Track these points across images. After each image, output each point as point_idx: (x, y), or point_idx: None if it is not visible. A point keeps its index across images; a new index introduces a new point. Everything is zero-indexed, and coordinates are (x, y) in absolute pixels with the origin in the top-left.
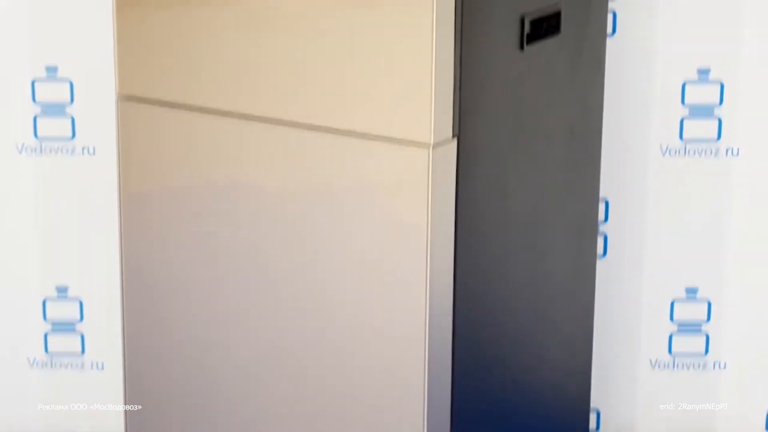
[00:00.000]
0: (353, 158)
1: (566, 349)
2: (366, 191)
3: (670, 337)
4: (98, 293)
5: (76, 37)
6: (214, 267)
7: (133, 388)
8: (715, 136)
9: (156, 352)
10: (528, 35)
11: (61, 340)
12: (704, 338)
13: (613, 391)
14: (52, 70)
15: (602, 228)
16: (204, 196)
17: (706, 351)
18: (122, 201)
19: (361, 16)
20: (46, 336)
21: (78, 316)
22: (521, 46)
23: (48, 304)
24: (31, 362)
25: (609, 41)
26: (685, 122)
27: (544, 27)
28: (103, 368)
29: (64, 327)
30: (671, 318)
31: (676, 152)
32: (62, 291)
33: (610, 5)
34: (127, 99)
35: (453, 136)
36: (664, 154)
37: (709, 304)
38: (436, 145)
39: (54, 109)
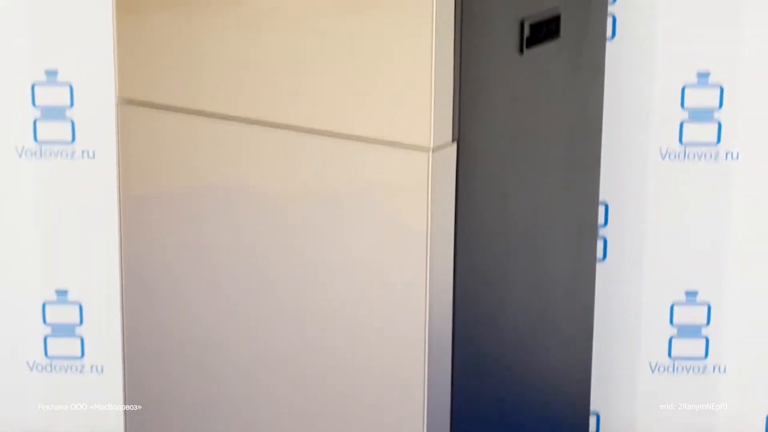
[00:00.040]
0: (353, 162)
1: (566, 353)
2: (366, 195)
3: (670, 341)
4: (98, 297)
5: (76, 41)
6: (213, 270)
7: (132, 390)
8: (715, 139)
9: (156, 354)
10: (528, 39)
11: (61, 343)
12: (704, 342)
13: (612, 395)
14: (51, 74)
15: (602, 231)
16: (204, 200)
17: (706, 354)
18: (122, 204)
19: (361, 19)
20: (45, 339)
21: (78, 320)
22: (521, 50)
23: (48, 308)
24: (31, 366)
25: (609, 45)
26: (684, 126)
27: (544, 31)
28: (102, 371)
29: (63, 330)
30: (671, 321)
31: (675, 156)
32: (62, 294)
33: (610, 9)
34: (127, 102)
35: (453, 139)
36: (663, 158)
37: (709, 308)
38: (435, 149)
39: (54, 113)
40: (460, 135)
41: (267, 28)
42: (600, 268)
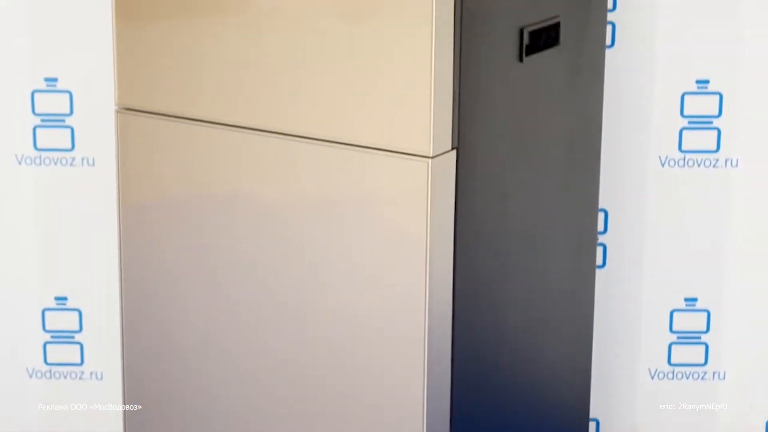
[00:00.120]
0: (353, 170)
1: (566, 359)
2: (365, 202)
3: (670, 347)
4: (97, 303)
5: (75, 49)
6: (212, 277)
7: (131, 392)
8: (714, 147)
9: (155, 360)
10: (527, 47)
11: (61, 350)
12: (704, 348)
13: (612, 401)
14: (51, 82)
15: (602, 238)
16: (203, 207)
17: (706, 361)
18: (121, 212)
19: (360, 27)
20: (45, 346)
21: (77, 326)
22: (520, 58)
23: (47, 315)
24: (31, 372)
25: (608, 52)
26: (684, 133)
27: (543, 38)
28: (102, 378)
29: (63, 337)
30: (670, 328)
31: (675, 163)
32: (61, 301)
33: (609, 16)
34: (127, 110)
35: (452, 147)
36: (663, 165)
37: (709, 314)
38: (435, 157)
39: (53, 121)
40: (459, 142)
41: (266, 36)
42: (600, 275)
